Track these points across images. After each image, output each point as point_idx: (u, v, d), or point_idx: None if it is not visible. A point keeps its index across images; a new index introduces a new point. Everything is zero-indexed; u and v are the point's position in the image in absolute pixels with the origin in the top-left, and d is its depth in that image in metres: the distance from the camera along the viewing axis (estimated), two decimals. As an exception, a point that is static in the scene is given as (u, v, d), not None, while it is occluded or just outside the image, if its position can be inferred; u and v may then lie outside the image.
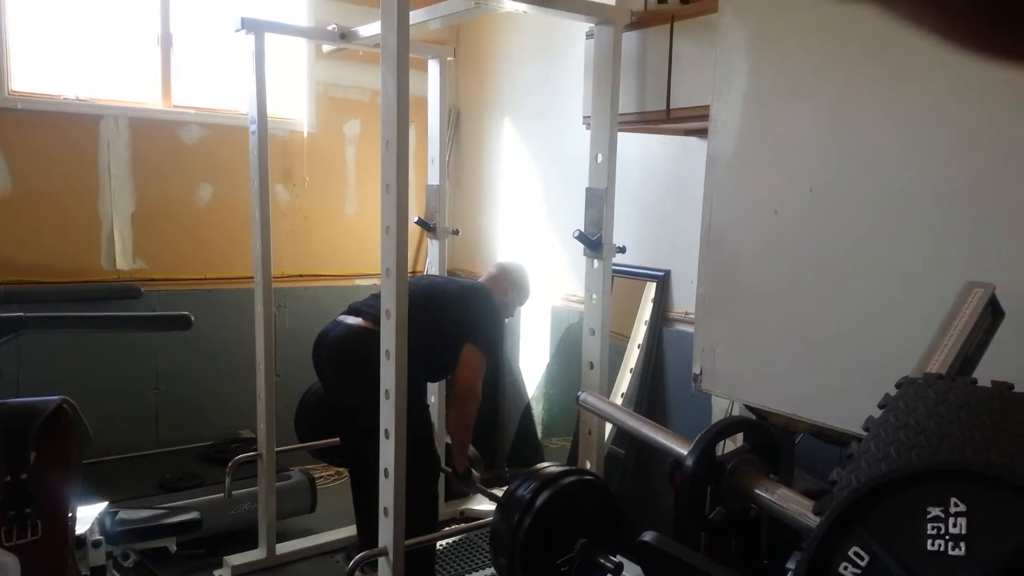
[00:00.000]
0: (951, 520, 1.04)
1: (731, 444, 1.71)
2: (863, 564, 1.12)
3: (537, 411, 4.14)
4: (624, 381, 3.54)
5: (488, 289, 3.05)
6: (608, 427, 2.90)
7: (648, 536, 0.99)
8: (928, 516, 1.05)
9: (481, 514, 3.61)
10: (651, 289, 3.51)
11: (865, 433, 1.28)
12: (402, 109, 2.04)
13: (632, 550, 1.14)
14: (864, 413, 1.66)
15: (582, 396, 1.97)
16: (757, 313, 1.94)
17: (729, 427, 1.44)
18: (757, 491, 1.34)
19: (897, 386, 1.33)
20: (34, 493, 1.68)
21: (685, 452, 1.39)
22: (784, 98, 1.81)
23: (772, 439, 1.48)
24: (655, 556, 1.01)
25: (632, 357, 3.57)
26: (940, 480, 1.07)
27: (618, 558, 2.36)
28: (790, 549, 1.79)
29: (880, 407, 1.30)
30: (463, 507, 3.73)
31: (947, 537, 1.04)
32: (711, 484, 1.35)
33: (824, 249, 1.77)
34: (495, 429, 4.30)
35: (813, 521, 1.23)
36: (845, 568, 1.13)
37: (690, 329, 3.26)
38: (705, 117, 2.31)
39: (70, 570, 1.75)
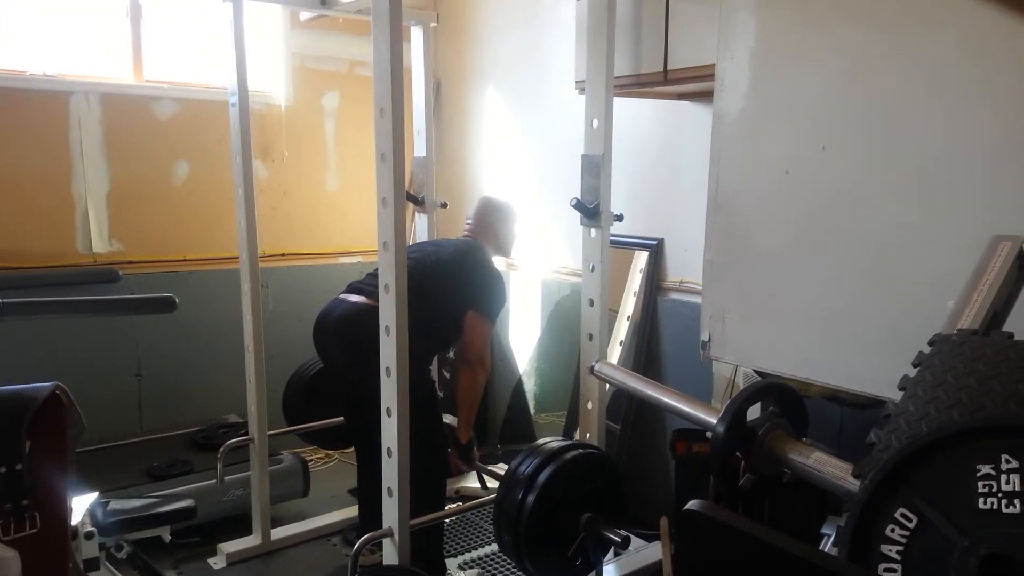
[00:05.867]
0: (1003, 477, 1.02)
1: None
2: (911, 525, 1.09)
3: (529, 386, 4.10)
4: (615, 353, 3.50)
5: (480, 246, 2.96)
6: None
7: (695, 504, 0.94)
8: (978, 474, 1.03)
9: (477, 492, 3.56)
10: (640, 259, 3.47)
11: (890, 396, 1.24)
12: (396, 74, 1.96)
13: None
14: (881, 375, 1.62)
15: (596, 366, 1.92)
16: (768, 277, 1.90)
17: (759, 392, 1.40)
18: (791, 456, 1.30)
19: (930, 344, 1.29)
20: (30, 484, 1.60)
21: (713, 419, 1.35)
22: (795, 52, 1.76)
23: (801, 403, 1.44)
24: (702, 526, 0.96)
25: (622, 329, 3.53)
26: (989, 437, 1.04)
27: (624, 532, 2.34)
28: (821, 514, 1.78)
29: (915, 365, 1.27)
30: (459, 486, 3.69)
31: (1000, 495, 1.01)
32: (742, 450, 1.32)
33: (838, 208, 1.73)
34: (486, 405, 4.25)
35: (853, 484, 1.20)
36: (892, 530, 1.10)
37: (685, 298, 3.24)
38: (705, 78, 2.26)
39: (70, 562, 1.68)
